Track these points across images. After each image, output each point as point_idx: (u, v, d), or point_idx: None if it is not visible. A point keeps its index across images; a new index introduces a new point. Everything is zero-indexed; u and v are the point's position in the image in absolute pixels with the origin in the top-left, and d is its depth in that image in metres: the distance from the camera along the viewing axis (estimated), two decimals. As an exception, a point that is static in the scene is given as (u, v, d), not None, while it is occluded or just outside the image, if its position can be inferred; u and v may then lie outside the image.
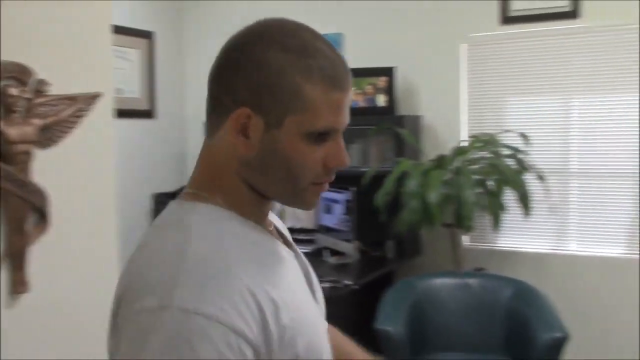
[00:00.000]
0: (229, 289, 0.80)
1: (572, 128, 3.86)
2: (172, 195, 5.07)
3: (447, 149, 3.85)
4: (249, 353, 0.79)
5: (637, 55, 3.63)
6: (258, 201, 0.95)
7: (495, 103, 4.04)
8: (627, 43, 3.66)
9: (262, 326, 0.81)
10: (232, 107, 0.89)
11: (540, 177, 3.62)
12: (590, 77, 3.77)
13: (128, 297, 0.83)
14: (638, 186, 3.68)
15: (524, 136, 3.67)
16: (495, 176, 3.59)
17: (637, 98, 3.64)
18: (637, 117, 3.65)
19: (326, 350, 0.95)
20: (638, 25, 3.60)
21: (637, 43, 3.62)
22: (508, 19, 3.91)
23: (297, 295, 0.91)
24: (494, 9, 3.93)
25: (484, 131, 3.89)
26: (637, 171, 3.67)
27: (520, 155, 3.64)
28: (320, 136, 0.89)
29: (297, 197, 0.94)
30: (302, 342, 0.86)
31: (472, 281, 3.43)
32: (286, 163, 0.89)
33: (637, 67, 3.63)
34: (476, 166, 3.65)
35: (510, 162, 3.61)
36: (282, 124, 0.87)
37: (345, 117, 0.91)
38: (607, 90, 3.74)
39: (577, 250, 3.87)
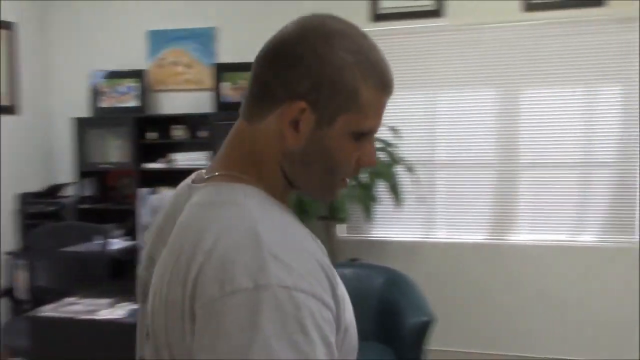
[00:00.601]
0: (309, 264, 0.83)
1: (439, 121, 4.05)
2: (39, 195, 4.75)
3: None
4: (333, 322, 0.82)
5: (499, 51, 3.88)
6: (287, 190, 0.96)
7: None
8: (489, 40, 3.89)
9: (332, 295, 0.84)
10: (286, 99, 0.89)
11: (410, 169, 3.77)
12: (455, 72, 3.98)
13: (206, 282, 0.80)
14: (497, 175, 3.93)
15: (394, 130, 3.81)
16: (368, 169, 3.71)
17: (497, 91, 3.89)
18: (496, 110, 3.89)
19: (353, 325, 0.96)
20: (498, 24, 3.84)
21: (497, 40, 3.86)
22: (378, 17, 4.04)
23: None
24: (364, 7, 4.04)
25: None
26: (496, 161, 3.93)
27: (390, 149, 3.77)
28: (363, 136, 0.92)
29: (328, 191, 0.96)
30: (348, 313, 0.90)
31: (347, 271, 3.52)
32: (330, 159, 0.92)
33: (498, 62, 3.88)
34: (349, 159, 3.74)
35: (382, 155, 3.73)
36: (335, 121, 0.89)
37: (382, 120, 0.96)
38: (470, 84, 3.95)
39: (444, 238, 4.07)
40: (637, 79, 3.68)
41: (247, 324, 0.76)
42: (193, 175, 1.01)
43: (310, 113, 0.89)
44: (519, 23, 3.83)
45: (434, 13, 3.95)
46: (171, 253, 0.88)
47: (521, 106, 3.88)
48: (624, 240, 3.79)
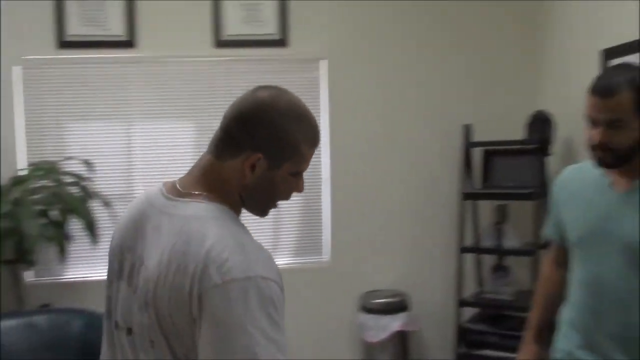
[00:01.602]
0: (272, 261, 1.23)
1: (135, 153, 3.95)
2: None
3: (3, 179, 3.53)
4: (283, 301, 1.22)
5: (192, 85, 3.94)
6: (240, 208, 1.38)
7: (56, 129, 3.87)
8: (182, 73, 3.93)
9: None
10: (248, 149, 1.30)
11: (107, 204, 3.60)
12: (149, 104, 3.93)
13: (211, 273, 1.16)
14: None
15: (87, 163, 3.61)
16: (60, 205, 3.44)
17: (192, 123, 3.96)
18: (193, 143, 3.95)
19: None
20: (189, 58, 3.91)
21: (187, 73, 3.92)
22: (64, 44, 3.80)
23: None
24: (50, 33, 3.78)
25: (45, 159, 3.70)
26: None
27: (84, 183, 3.56)
28: (298, 174, 1.37)
29: (266, 211, 1.41)
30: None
31: (38, 319, 3.18)
32: (274, 190, 1.36)
33: (190, 95, 3.94)
34: (38, 196, 3.43)
35: (75, 190, 3.50)
36: (281, 167, 1.33)
37: None
38: (165, 117, 3.94)
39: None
40: (322, 112, 4.07)
41: (241, 301, 1.14)
42: (162, 186, 1.43)
43: (264, 161, 1.31)
44: (210, 58, 3.95)
45: (126, 43, 3.86)
46: (175, 251, 1.22)
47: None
48: (315, 260, 4.13)
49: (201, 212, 1.28)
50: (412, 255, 4.18)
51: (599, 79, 1.80)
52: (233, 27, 3.94)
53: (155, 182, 3.90)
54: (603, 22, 3.42)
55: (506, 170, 3.97)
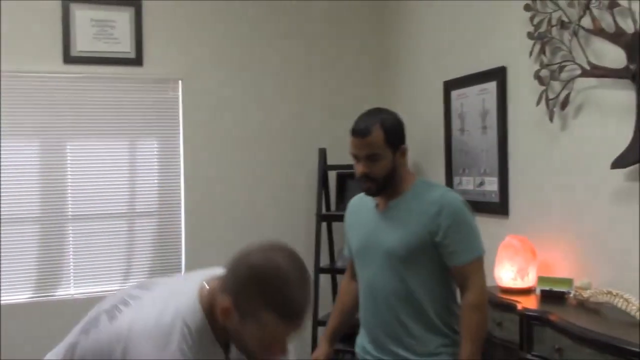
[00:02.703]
0: None
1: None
2: None
3: None
4: None
5: (43, 101, 3.76)
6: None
7: None
8: (31, 89, 3.75)
9: None
10: (228, 296, 1.34)
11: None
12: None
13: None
14: (43, 229, 3.77)
15: None
16: None
17: (42, 141, 3.76)
18: (43, 161, 3.76)
19: None
20: (40, 74, 3.71)
21: (39, 89, 3.72)
22: None
23: None
24: None
25: None
26: (43, 214, 3.76)
27: None
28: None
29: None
30: None
31: None
32: (243, 342, 1.41)
33: (43, 112, 3.77)
34: None
35: None
36: (245, 323, 1.35)
37: None
38: (16, 135, 3.74)
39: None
40: (179, 134, 4.02)
41: None
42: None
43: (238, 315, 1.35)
44: (60, 75, 3.78)
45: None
46: None
47: (68, 157, 3.83)
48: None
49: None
50: (269, 276, 4.20)
51: (357, 122, 2.15)
52: (83, 44, 3.80)
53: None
54: (446, 56, 3.70)
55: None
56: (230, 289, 1.34)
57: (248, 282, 1.32)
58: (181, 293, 1.41)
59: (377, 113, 2.17)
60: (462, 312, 2.10)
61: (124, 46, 3.88)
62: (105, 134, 3.90)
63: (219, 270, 1.46)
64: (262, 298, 1.31)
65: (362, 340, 2.31)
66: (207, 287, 1.41)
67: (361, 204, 2.32)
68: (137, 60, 3.90)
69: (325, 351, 2.38)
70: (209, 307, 1.39)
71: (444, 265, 2.11)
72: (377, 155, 2.11)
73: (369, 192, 2.18)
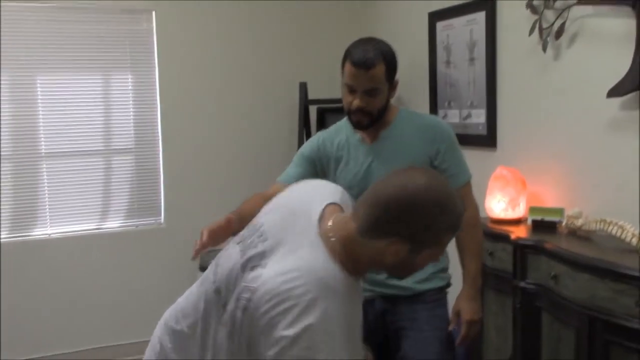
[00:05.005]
0: None
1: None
2: None
3: None
4: None
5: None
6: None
7: None
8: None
9: None
10: (396, 236, 1.29)
11: None
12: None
13: None
14: (15, 167, 3.64)
15: None
16: None
17: (10, 76, 3.58)
18: (12, 97, 3.59)
19: None
20: (9, 3, 3.50)
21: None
22: None
23: None
24: None
25: None
26: (13, 151, 3.63)
27: None
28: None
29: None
30: None
31: None
32: (406, 271, 1.39)
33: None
34: None
35: None
36: (420, 253, 1.33)
37: None
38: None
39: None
40: (155, 67, 3.87)
41: None
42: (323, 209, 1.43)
43: (407, 247, 1.31)
44: (27, 4, 3.58)
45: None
46: None
47: (39, 92, 3.66)
48: (150, 222, 3.97)
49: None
50: (249, 213, 4.16)
51: (358, 52, 1.97)
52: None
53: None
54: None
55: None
56: (390, 229, 1.29)
57: (428, 215, 1.28)
58: (312, 259, 1.31)
59: (375, 43, 2.02)
60: (463, 231, 2.07)
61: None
62: (77, 67, 3.74)
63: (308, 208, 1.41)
64: (444, 224, 1.31)
65: None
66: (332, 239, 1.34)
67: (340, 138, 2.16)
68: (108, -9, 3.72)
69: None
70: (343, 258, 1.33)
71: None
72: (377, 90, 1.98)
73: (360, 126, 2.05)
